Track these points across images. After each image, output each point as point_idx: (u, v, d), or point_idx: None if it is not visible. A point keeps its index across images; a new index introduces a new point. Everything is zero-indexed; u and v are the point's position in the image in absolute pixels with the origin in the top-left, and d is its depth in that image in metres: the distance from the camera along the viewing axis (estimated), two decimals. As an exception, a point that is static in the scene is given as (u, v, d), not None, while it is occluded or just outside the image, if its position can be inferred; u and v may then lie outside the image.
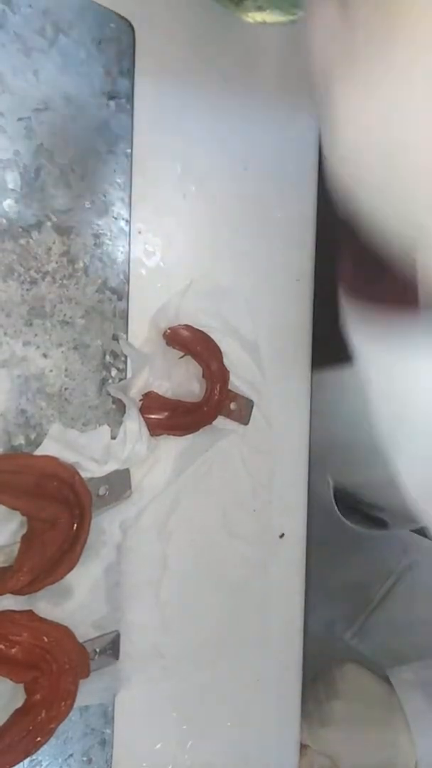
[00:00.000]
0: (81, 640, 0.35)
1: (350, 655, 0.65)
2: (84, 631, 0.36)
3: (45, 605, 0.35)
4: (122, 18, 0.37)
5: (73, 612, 0.36)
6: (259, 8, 0.37)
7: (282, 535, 0.48)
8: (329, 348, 0.45)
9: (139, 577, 0.39)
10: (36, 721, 0.32)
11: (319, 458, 0.50)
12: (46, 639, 0.32)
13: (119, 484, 0.38)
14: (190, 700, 0.43)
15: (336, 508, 0.70)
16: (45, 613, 0.34)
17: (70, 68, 0.35)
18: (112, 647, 0.37)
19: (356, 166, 0.24)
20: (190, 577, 0.42)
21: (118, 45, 0.37)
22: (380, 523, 0.77)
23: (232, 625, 0.44)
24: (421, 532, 0.85)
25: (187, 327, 0.40)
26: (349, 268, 0.32)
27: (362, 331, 0.32)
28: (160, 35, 0.39)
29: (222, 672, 0.44)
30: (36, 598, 0.34)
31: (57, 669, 0.33)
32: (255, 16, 0.38)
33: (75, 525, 0.34)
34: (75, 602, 0.36)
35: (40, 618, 0.33)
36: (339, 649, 0.71)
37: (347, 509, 0.73)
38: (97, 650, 0.36)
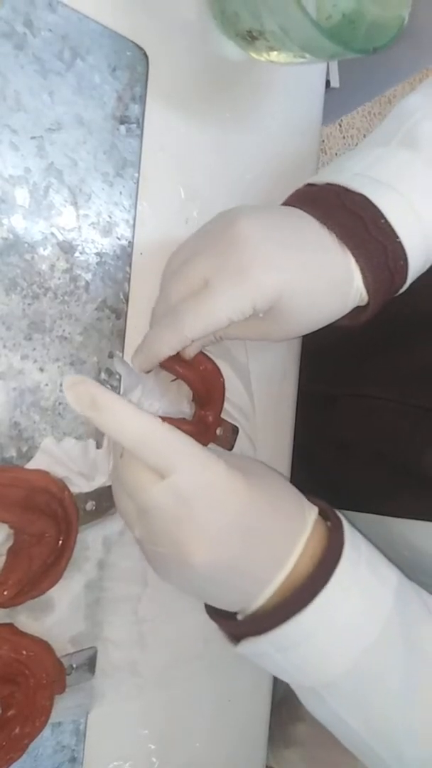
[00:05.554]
0: (58, 655, 0.35)
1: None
2: (61, 646, 0.36)
3: (25, 619, 0.35)
4: (138, 47, 0.38)
5: (52, 626, 0.36)
6: (270, 48, 0.38)
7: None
8: None
9: (119, 593, 0.40)
10: (9, 737, 0.32)
11: None
12: (25, 653, 0.32)
13: (106, 500, 0.38)
14: (162, 719, 0.43)
15: None
16: (25, 626, 0.34)
17: (84, 92, 0.36)
18: (88, 663, 0.37)
19: None
20: (168, 594, 0.42)
21: (132, 72, 0.38)
22: None
23: (207, 645, 0.45)
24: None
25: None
26: None
27: None
28: (173, 65, 0.40)
29: (195, 691, 0.45)
30: (16, 611, 0.34)
31: (34, 684, 0.33)
32: (265, 55, 0.40)
33: (61, 540, 0.34)
34: (55, 617, 0.36)
35: (21, 632, 0.33)
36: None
37: None
38: (74, 666, 0.36)
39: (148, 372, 0.37)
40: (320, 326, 0.35)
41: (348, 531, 0.32)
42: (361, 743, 0.33)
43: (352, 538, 0.32)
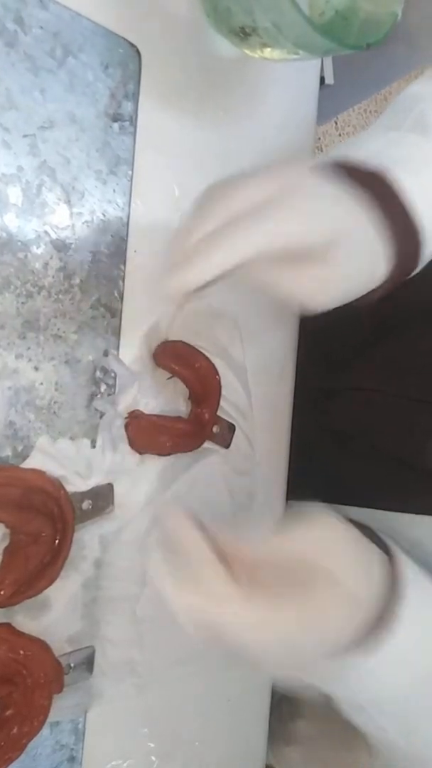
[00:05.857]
0: (56, 655, 0.35)
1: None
2: (59, 645, 0.36)
3: (22, 618, 0.35)
4: (130, 44, 0.38)
5: (49, 626, 0.36)
6: (264, 45, 0.38)
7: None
8: None
9: (116, 592, 0.39)
10: (8, 737, 0.32)
11: None
12: (22, 653, 0.32)
13: (102, 499, 0.38)
14: (160, 718, 0.43)
15: None
16: (22, 626, 0.34)
17: (76, 89, 0.36)
18: (86, 662, 0.37)
19: None
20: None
21: (125, 70, 0.38)
22: None
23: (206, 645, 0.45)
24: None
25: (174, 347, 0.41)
26: None
27: None
28: (165, 62, 0.40)
29: (193, 691, 0.45)
30: (14, 611, 0.34)
31: (32, 683, 0.33)
32: (259, 52, 0.40)
33: (57, 539, 0.34)
34: (52, 616, 0.36)
35: (18, 632, 0.33)
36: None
37: None
38: (72, 665, 0.36)
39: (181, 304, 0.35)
40: (353, 297, 0.34)
41: (408, 573, 0.32)
42: (394, 746, 0.34)
43: (411, 580, 0.32)
